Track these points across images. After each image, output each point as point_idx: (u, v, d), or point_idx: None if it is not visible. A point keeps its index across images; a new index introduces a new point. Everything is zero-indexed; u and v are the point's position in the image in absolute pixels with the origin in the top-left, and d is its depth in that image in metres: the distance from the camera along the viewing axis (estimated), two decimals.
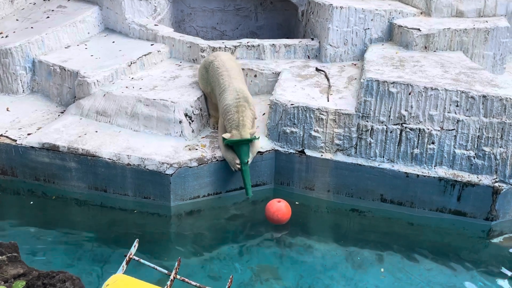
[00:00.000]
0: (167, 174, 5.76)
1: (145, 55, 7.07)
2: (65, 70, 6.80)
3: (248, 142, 5.75)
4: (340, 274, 5.16)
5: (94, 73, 6.62)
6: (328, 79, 6.57)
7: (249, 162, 5.82)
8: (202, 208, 5.96)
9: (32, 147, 6.04)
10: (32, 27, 7.39)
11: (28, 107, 6.80)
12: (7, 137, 6.17)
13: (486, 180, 5.72)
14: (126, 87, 6.59)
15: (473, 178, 5.74)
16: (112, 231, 5.67)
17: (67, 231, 5.63)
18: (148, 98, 6.30)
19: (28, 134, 6.20)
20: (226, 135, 5.74)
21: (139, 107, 6.30)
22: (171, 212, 5.86)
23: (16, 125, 6.40)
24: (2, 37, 7.19)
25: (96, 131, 6.26)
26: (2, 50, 6.90)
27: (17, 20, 7.69)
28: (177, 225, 5.82)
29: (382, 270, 5.22)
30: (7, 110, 6.70)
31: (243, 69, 6.88)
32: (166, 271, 4.35)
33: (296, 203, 5.99)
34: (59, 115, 6.67)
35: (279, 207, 5.61)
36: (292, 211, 5.69)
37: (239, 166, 5.78)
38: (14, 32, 7.29)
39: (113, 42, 7.53)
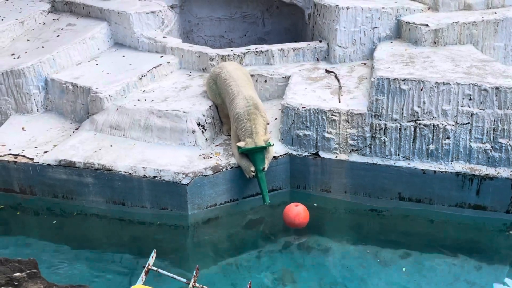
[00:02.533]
0: (183, 184, 5.77)
1: (155, 67, 7.10)
2: (77, 87, 6.85)
3: (263, 149, 5.76)
4: (362, 276, 5.12)
5: (106, 88, 6.65)
6: (338, 80, 6.56)
7: (265, 169, 5.82)
8: (220, 215, 5.96)
9: (49, 164, 6.09)
10: (43, 47, 7.46)
11: (43, 125, 6.85)
12: (24, 156, 6.22)
13: (504, 172, 5.65)
14: (138, 100, 6.62)
15: (491, 171, 5.67)
16: (131, 244, 5.69)
17: (86, 246, 5.66)
18: (160, 110, 6.32)
19: (45, 152, 6.25)
20: (241, 144, 5.75)
21: (152, 119, 6.32)
22: (189, 221, 5.86)
23: (32, 144, 6.46)
24: (14, 58, 7.28)
25: (111, 145, 6.29)
26: (15, 71, 6.98)
27: (28, 40, 7.78)
28: (195, 234, 5.83)
29: (404, 269, 5.18)
30: (23, 130, 6.76)
31: (252, 75, 6.88)
32: (185, 280, 4.35)
33: (315, 204, 5.97)
34: (74, 132, 6.71)
35: (298, 212, 5.60)
36: (310, 214, 5.67)
37: (253, 174, 5.78)
38: (26, 52, 7.37)
39: (123, 56, 7.58)
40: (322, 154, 6.06)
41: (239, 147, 5.78)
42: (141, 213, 6.00)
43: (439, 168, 5.78)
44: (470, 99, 5.67)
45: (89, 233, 5.89)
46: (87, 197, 6.12)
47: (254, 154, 5.74)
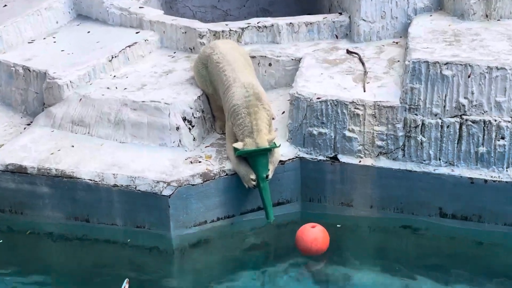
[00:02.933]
0: (164, 195, 5.76)
1: (129, 46, 7.08)
2: (29, 70, 6.82)
3: (267, 151, 5.75)
4: None
5: (67, 72, 6.63)
6: (363, 64, 6.54)
7: (270, 177, 5.81)
8: (211, 236, 5.96)
9: None
10: None
11: None
12: None
13: None
14: (108, 87, 6.61)
15: None
16: (98, 271, 5.69)
17: (41, 272, 5.66)
18: (135, 101, 6.32)
19: None
20: (238, 145, 5.74)
21: (125, 113, 6.31)
22: (172, 244, 5.87)
23: None
24: None
25: (73, 146, 6.28)
26: None
27: None
28: (179, 259, 5.84)
29: None
30: None
31: (253, 57, 6.88)
32: None
33: (338, 226, 6.00)
34: (25, 128, 6.70)
35: (316, 235, 5.61)
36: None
37: (254, 183, 5.78)
38: None
39: (88, 32, 7.56)
40: (342, 158, 6.06)
41: (236, 149, 5.76)
42: (110, 233, 6.00)
43: (492, 177, 5.77)
44: None
45: (44, 256, 5.90)
46: (42, 212, 6.11)
47: (255, 158, 5.73)
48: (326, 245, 5.63)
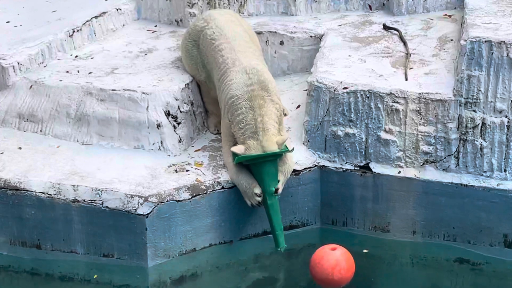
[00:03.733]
0: (140, 214, 5.76)
1: (95, 17, 7.14)
2: None
3: (276, 157, 5.74)
4: None
5: (13, 51, 6.67)
6: (405, 43, 6.56)
7: (280, 191, 5.80)
8: (201, 269, 5.97)
9: None
10: None
11: None
12: None
13: None
14: (67, 71, 6.63)
15: None
16: None
17: None
18: (103, 89, 6.33)
19: None
20: (238, 149, 5.73)
21: (89, 105, 6.33)
22: (149, 279, 5.87)
23: None
24: None
25: (20, 148, 6.31)
26: None
27: None
28: None
29: None
30: None
31: (259, 33, 6.91)
32: None
33: (364, 251, 6.01)
34: None
35: (338, 260, 5.54)
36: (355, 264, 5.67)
37: (259, 199, 5.76)
38: None
39: None
40: (376, 168, 6.07)
41: (235, 155, 5.73)
42: (68, 264, 6.00)
43: None
44: None
45: None
46: None
47: (261, 166, 5.73)
48: (351, 273, 5.57)
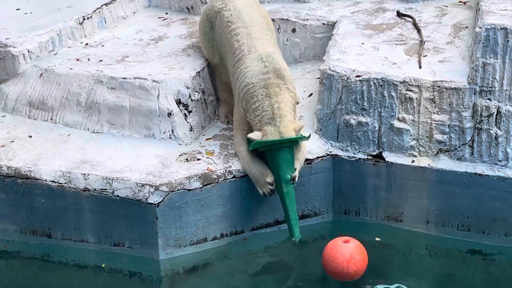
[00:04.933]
0: (151, 203, 5.76)
1: (106, 4, 7.16)
2: None
3: (293, 144, 5.74)
4: None
5: (23, 38, 6.69)
6: (419, 30, 6.57)
7: (296, 179, 5.79)
8: (212, 259, 5.99)
9: None
10: None
11: None
12: None
13: None
14: (77, 59, 6.66)
15: None
16: None
17: None
18: (114, 77, 6.35)
19: None
20: (255, 135, 5.72)
21: (99, 93, 6.35)
22: (160, 268, 5.89)
23: None
24: None
25: (30, 136, 6.34)
26: None
27: None
28: None
29: None
30: None
31: (273, 20, 6.90)
32: None
33: (377, 239, 6.03)
34: None
35: (352, 254, 5.56)
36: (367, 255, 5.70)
37: (272, 188, 5.76)
38: None
39: None
40: (389, 157, 6.08)
41: (251, 141, 5.72)
42: (79, 253, 6.03)
43: None
44: None
45: None
46: None
47: (277, 152, 5.72)
48: (366, 264, 5.61)
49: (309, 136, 5.86)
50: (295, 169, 5.78)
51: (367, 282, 5.61)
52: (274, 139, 5.68)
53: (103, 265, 5.92)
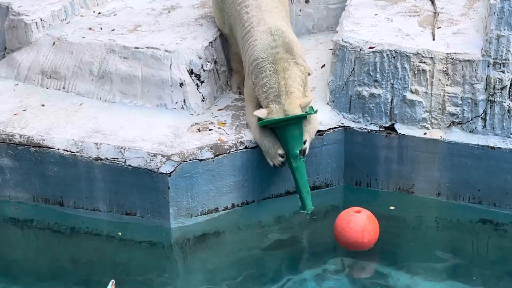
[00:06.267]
0: (163, 173, 5.78)
1: None
2: None
3: (300, 120, 5.75)
4: None
5: (36, 7, 6.68)
6: (432, 2, 6.55)
7: (306, 152, 5.81)
8: (223, 229, 6.02)
9: None
10: None
11: None
12: None
13: None
14: (90, 28, 6.66)
15: None
16: (74, 268, 5.74)
17: (2, 270, 5.73)
18: (126, 46, 6.35)
19: None
20: (260, 113, 5.74)
21: (112, 62, 6.35)
22: (171, 237, 5.93)
23: None
24: None
25: (43, 105, 6.35)
26: None
27: None
28: (180, 257, 5.92)
29: None
30: None
31: None
32: None
33: (391, 208, 6.06)
34: None
35: (365, 223, 5.61)
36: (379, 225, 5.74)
37: (282, 160, 5.78)
38: None
39: None
40: (401, 129, 6.07)
41: (258, 118, 5.78)
42: (91, 221, 6.06)
43: None
44: None
45: (6, 248, 5.96)
46: (2, 191, 6.20)
47: (284, 129, 5.74)
48: (378, 233, 5.66)
49: (316, 111, 5.85)
50: (305, 141, 5.78)
51: (375, 252, 5.66)
52: (279, 117, 5.69)
53: (119, 233, 5.96)
